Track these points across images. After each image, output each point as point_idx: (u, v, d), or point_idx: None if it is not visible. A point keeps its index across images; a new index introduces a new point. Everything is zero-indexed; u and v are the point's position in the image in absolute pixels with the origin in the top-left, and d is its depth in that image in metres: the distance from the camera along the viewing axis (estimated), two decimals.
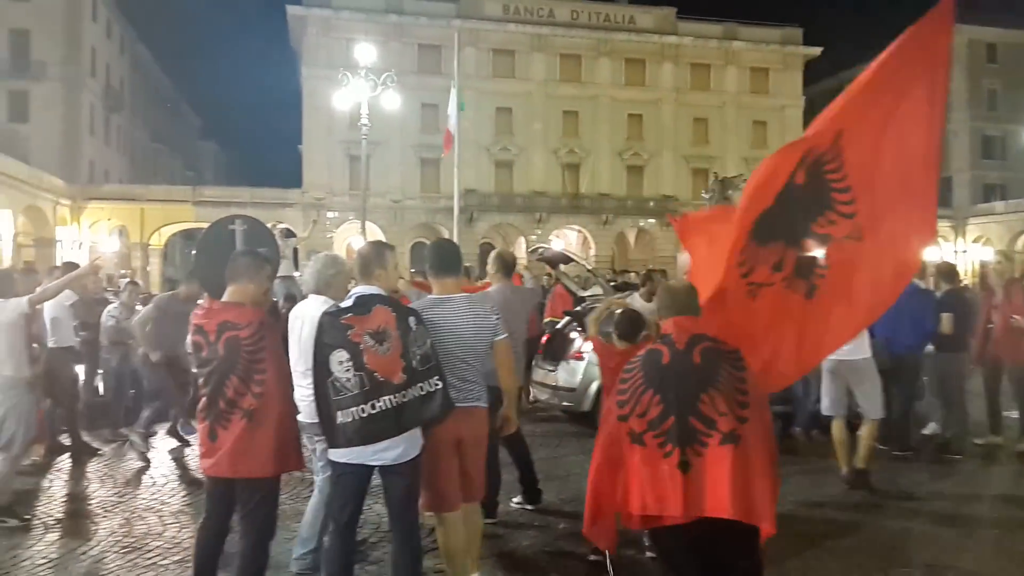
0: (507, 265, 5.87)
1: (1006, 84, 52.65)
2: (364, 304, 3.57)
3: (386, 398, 3.46)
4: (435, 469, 3.86)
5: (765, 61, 51.89)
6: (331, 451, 3.66)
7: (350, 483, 3.69)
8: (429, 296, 4.16)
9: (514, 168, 48.50)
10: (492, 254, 6.02)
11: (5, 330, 5.58)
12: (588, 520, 3.27)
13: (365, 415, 3.45)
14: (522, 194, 47.58)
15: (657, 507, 3.05)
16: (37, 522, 5.63)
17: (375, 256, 3.84)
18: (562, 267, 11.53)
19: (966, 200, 51.64)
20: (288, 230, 10.03)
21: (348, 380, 3.45)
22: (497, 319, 4.07)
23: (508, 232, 46.98)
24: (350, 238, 43.89)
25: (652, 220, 48.64)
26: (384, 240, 3.98)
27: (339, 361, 3.46)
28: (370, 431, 3.48)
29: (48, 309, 7.52)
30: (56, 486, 6.74)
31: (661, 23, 50.01)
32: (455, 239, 26.80)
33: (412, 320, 3.59)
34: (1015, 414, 8.04)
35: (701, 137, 51.01)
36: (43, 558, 4.89)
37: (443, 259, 4.14)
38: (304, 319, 4.19)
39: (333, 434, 3.53)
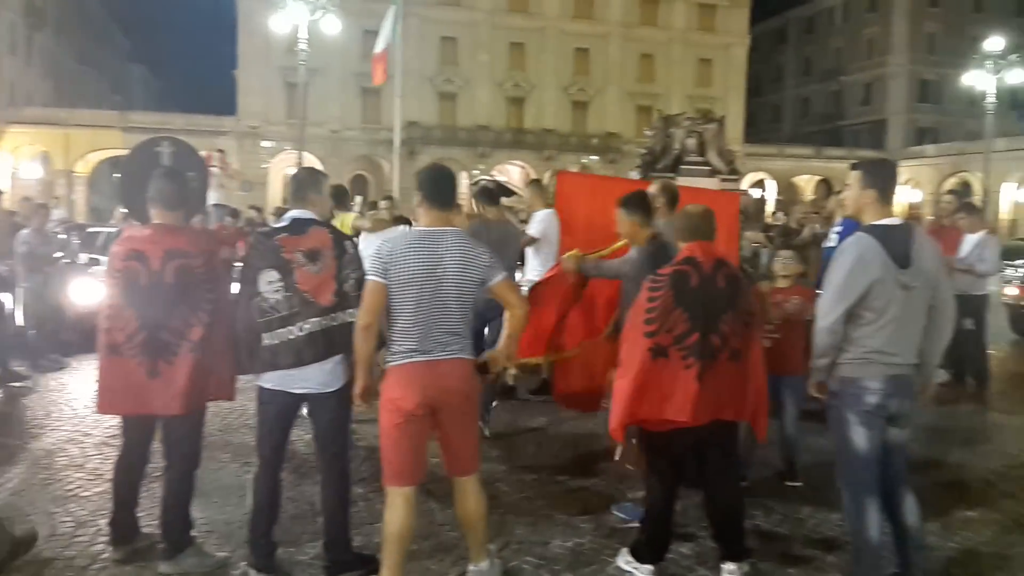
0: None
1: (946, 28, 53.44)
2: (300, 225, 3.50)
3: (315, 320, 3.40)
4: (390, 434, 3.28)
5: None
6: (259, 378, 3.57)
7: (272, 412, 3.60)
8: (415, 228, 3.46)
9: (458, 101, 47.64)
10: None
11: None
12: (622, 420, 3.56)
13: (293, 337, 3.39)
14: (465, 128, 46.87)
15: (673, 412, 3.47)
16: None
17: (311, 181, 3.71)
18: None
19: (899, 143, 52.82)
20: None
21: (277, 301, 3.39)
22: (491, 258, 3.38)
23: (450, 166, 46.01)
24: (287, 169, 42.80)
25: (595, 157, 48.56)
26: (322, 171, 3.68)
27: (268, 281, 3.40)
28: (296, 354, 3.41)
29: None
30: None
31: None
32: (395, 173, 26.38)
33: (348, 244, 3.54)
34: None
35: (647, 74, 50.75)
36: None
37: (440, 189, 3.51)
38: None
39: (254, 358, 3.46)
